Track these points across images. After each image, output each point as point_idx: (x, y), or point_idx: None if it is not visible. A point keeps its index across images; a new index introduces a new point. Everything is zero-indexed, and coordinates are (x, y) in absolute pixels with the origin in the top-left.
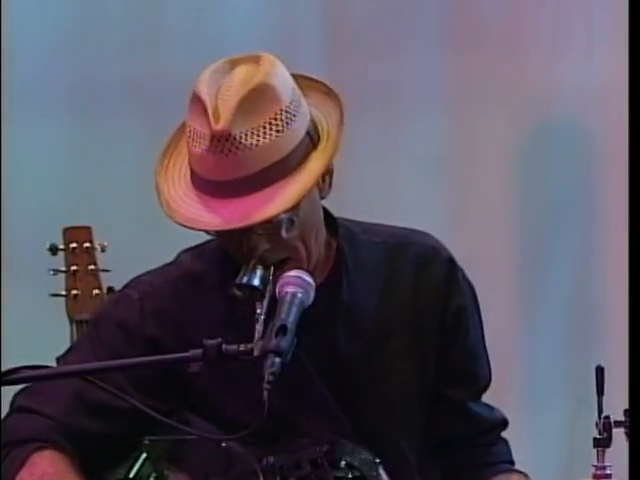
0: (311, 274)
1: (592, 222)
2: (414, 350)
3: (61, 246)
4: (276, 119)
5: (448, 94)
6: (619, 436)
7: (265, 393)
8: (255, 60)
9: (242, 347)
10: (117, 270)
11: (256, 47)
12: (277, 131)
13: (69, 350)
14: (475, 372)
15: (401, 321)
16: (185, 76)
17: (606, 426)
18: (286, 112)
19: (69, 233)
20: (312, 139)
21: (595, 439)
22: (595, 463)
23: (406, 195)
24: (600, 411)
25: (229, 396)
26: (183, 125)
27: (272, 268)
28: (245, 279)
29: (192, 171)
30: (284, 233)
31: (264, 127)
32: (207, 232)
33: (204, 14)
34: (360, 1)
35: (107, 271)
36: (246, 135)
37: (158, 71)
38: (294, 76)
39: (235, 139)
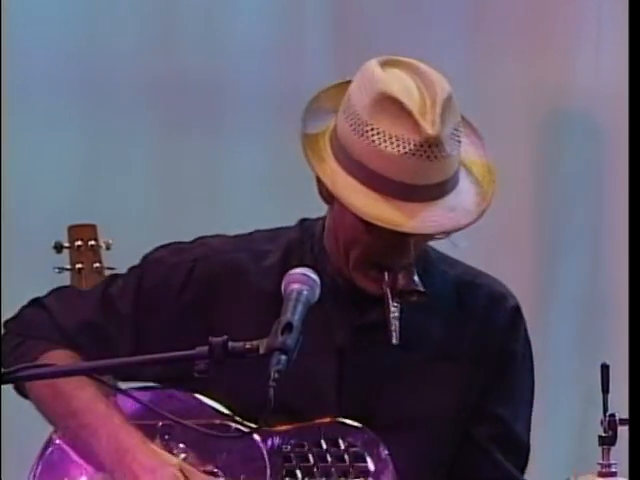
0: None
1: (603, 217)
2: (453, 385)
3: (66, 244)
4: (457, 130)
5: (461, 94)
6: (625, 434)
7: (270, 391)
8: (408, 65)
9: (248, 345)
10: (122, 268)
11: (266, 47)
12: (458, 141)
13: (116, 276)
14: (502, 416)
15: (451, 353)
16: (196, 74)
17: (611, 424)
18: (460, 123)
19: (74, 231)
20: None
21: (600, 437)
22: (600, 461)
23: None
24: (605, 409)
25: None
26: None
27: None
28: (418, 285)
29: (360, 169)
30: (437, 238)
31: (454, 136)
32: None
33: (215, 13)
34: (369, 1)
35: (112, 269)
36: (447, 143)
37: (169, 70)
38: None
39: (443, 145)
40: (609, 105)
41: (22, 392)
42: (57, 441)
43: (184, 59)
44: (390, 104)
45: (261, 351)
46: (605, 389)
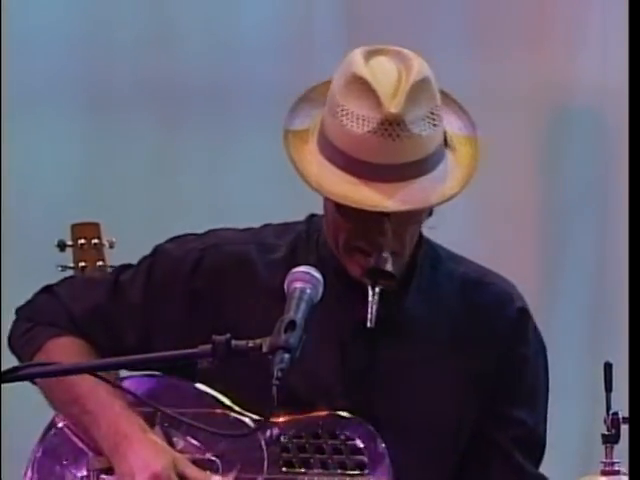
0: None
1: (609, 213)
2: (458, 384)
3: (69, 242)
4: (433, 113)
5: (468, 92)
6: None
7: (274, 389)
8: (396, 52)
9: (251, 343)
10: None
11: (275, 41)
12: (434, 125)
13: (127, 266)
14: (525, 420)
15: (456, 352)
16: (198, 74)
17: (614, 422)
18: (439, 107)
19: (77, 229)
20: (445, 140)
21: (603, 435)
22: (603, 459)
23: None
24: (608, 407)
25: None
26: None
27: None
28: (388, 267)
29: (337, 151)
30: (411, 227)
31: (426, 118)
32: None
33: (217, 13)
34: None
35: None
36: (413, 123)
37: (173, 66)
38: None
39: (405, 125)
40: (615, 101)
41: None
42: (59, 424)
43: (189, 56)
44: (359, 85)
45: (264, 349)
46: (608, 388)
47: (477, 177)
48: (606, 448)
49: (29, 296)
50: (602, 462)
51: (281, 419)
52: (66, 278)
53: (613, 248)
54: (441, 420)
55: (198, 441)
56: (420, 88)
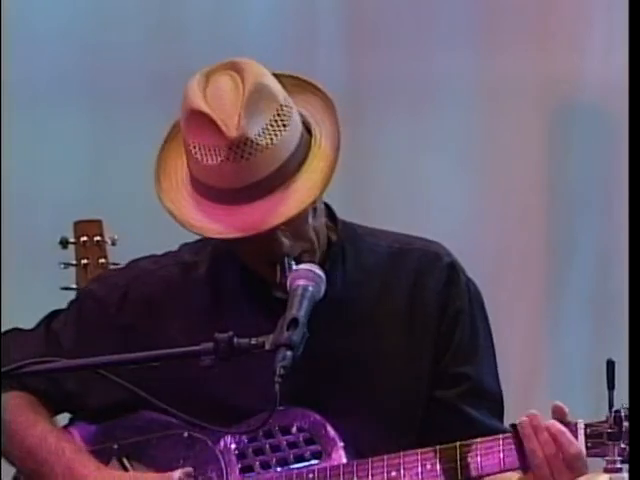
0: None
1: (614, 207)
2: (407, 352)
3: (72, 239)
4: (279, 115)
5: (473, 87)
6: None
7: (276, 386)
8: (231, 66)
9: (254, 341)
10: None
11: (276, 41)
12: (284, 126)
13: (57, 312)
14: (468, 373)
15: (396, 323)
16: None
17: (617, 420)
18: (285, 106)
19: (80, 227)
20: (307, 128)
21: (606, 433)
22: (607, 457)
23: (432, 187)
24: (611, 405)
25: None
26: (170, 142)
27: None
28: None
29: (199, 184)
30: (310, 220)
31: (272, 125)
32: (225, 240)
33: (224, 7)
34: None
35: (117, 264)
36: (260, 136)
37: (176, 63)
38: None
39: (252, 142)
40: (619, 96)
41: None
42: None
43: (194, 52)
44: (198, 117)
45: (267, 347)
46: (611, 385)
47: (483, 171)
48: (609, 445)
49: (32, 293)
50: (605, 460)
51: (231, 428)
52: (6, 332)
53: (619, 245)
54: (395, 396)
55: (157, 469)
56: (257, 97)
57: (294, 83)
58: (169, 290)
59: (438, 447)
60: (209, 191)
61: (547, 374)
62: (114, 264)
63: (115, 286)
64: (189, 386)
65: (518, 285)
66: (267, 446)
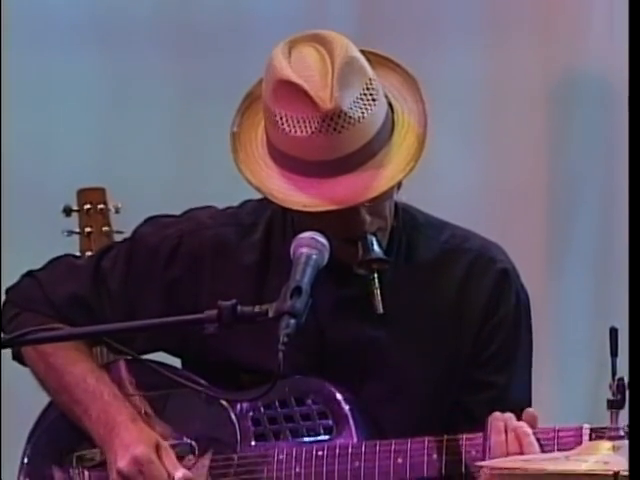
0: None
1: (617, 183)
2: (441, 351)
3: (75, 207)
4: (369, 89)
5: (475, 61)
6: None
7: (280, 354)
8: (315, 38)
9: (257, 309)
10: (131, 231)
11: (289, 19)
12: (373, 100)
13: (110, 248)
14: (496, 382)
15: (437, 320)
16: (218, 38)
17: (620, 388)
18: (374, 80)
19: (83, 194)
20: (388, 103)
21: (609, 401)
22: (609, 424)
23: (437, 163)
24: (614, 373)
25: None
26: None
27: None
28: (377, 253)
29: (282, 156)
30: (395, 196)
31: (362, 99)
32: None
33: None
34: None
35: (121, 232)
36: (352, 109)
37: (191, 33)
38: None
39: (346, 115)
40: (623, 71)
41: (22, 361)
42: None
43: (207, 21)
44: (287, 88)
45: (270, 315)
46: (614, 353)
47: (484, 154)
48: (611, 413)
49: (36, 261)
50: (608, 427)
51: (250, 394)
52: (50, 261)
53: (621, 216)
54: (423, 392)
55: (174, 426)
56: (348, 70)
57: (374, 59)
58: (221, 251)
59: (446, 437)
60: (293, 162)
61: (549, 344)
62: (118, 232)
63: (169, 237)
64: (211, 349)
65: (519, 258)
66: (281, 416)
